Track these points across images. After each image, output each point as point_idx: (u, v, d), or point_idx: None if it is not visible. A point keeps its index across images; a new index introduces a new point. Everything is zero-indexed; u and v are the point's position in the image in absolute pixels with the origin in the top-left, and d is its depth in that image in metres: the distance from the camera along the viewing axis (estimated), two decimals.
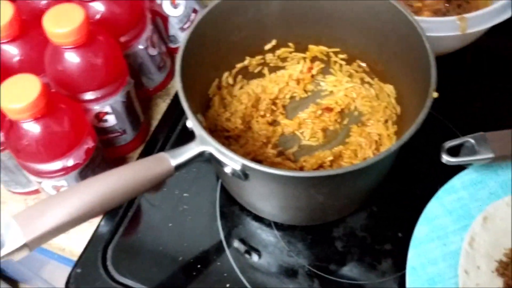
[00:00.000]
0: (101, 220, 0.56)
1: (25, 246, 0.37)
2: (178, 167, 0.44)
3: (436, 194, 0.52)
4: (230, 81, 0.58)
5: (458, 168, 0.53)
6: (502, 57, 0.69)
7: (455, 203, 0.52)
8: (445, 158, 0.47)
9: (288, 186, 0.45)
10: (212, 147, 0.44)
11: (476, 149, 0.47)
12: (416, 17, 0.49)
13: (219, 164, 0.45)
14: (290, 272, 0.52)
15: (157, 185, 0.48)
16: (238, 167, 0.43)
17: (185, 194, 0.58)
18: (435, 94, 0.44)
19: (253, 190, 0.49)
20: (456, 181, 0.53)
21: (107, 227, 0.55)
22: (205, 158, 0.45)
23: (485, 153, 0.47)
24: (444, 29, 0.55)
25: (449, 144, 0.48)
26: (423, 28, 0.48)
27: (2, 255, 0.36)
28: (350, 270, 0.52)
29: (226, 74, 0.57)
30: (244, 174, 0.44)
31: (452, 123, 0.61)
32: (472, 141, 0.47)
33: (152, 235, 0.55)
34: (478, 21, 0.56)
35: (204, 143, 0.44)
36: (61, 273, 0.81)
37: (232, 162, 0.43)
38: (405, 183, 0.57)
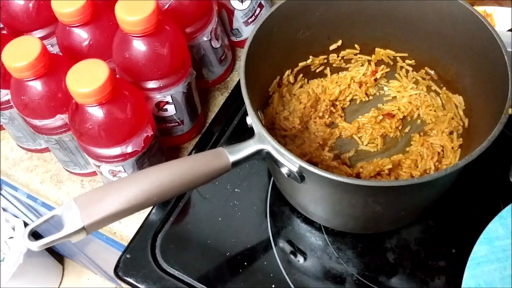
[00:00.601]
0: (152, 208, 0.56)
1: (83, 229, 0.38)
2: (235, 164, 0.44)
3: (499, 213, 0.49)
4: (291, 79, 0.57)
5: None
6: None
7: None
8: None
9: (345, 193, 0.44)
10: (271, 146, 0.43)
11: None
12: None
13: (275, 164, 0.44)
14: (337, 279, 0.51)
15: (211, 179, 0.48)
16: (295, 169, 0.42)
17: (236, 190, 0.57)
18: (511, 111, 0.42)
19: (307, 192, 0.48)
20: None
21: (158, 216, 0.56)
22: (262, 157, 0.45)
23: None
24: None
25: None
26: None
27: (61, 236, 0.37)
28: (400, 284, 0.50)
29: (287, 72, 0.57)
30: (301, 176, 0.43)
31: None
32: None
33: (201, 228, 0.55)
34: None
35: (262, 142, 0.44)
36: (105, 252, 0.83)
37: (289, 163, 0.43)
38: (466, 199, 0.55)
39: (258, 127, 0.44)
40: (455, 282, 0.48)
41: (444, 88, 0.55)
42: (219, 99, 0.65)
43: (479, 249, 0.48)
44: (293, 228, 0.55)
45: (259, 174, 0.58)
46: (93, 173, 0.60)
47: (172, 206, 0.57)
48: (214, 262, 0.53)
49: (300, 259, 0.53)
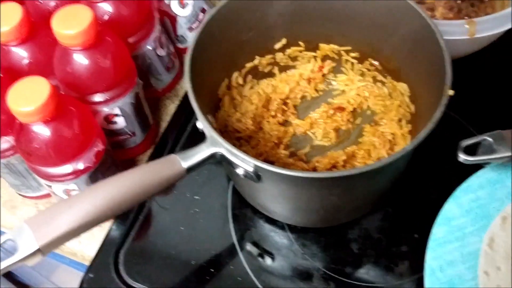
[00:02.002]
0: (112, 224, 0.55)
1: (38, 251, 0.37)
2: (190, 169, 0.43)
3: (453, 194, 0.51)
4: (240, 81, 0.57)
5: (475, 168, 0.52)
6: None
7: (473, 203, 0.51)
8: (462, 157, 0.46)
9: (301, 187, 0.44)
10: (224, 148, 0.43)
11: (494, 148, 0.46)
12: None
13: (231, 165, 0.44)
14: (305, 275, 0.51)
15: (168, 187, 0.48)
16: (250, 169, 0.42)
17: (196, 197, 0.57)
18: (451, 92, 0.43)
19: (266, 191, 0.48)
20: (473, 181, 0.52)
21: (119, 231, 0.55)
22: (216, 160, 0.45)
23: (503, 151, 0.46)
24: (452, 33, 0.53)
25: (466, 142, 0.46)
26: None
27: (16, 261, 0.36)
28: (366, 273, 0.51)
29: (235, 74, 0.57)
30: (257, 175, 0.43)
31: (469, 123, 0.59)
32: (490, 139, 0.46)
33: (164, 239, 0.55)
34: (488, 26, 0.53)
35: (215, 145, 0.43)
36: (72, 277, 0.81)
37: (244, 163, 0.42)
38: (421, 183, 0.56)
39: (209, 130, 0.43)
40: (418, 265, 0.49)
41: (389, 77, 0.56)
42: (171, 108, 0.65)
43: (438, 231, 0.50)
44: (257, 230, 0.55)
45: (218, 179, 0.58)
46: (48, 195, 0.58)
47: (132, 220, 0.56)
48: (180, 272, 0.53)
49: (267, 259, 0.53)
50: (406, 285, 0.50)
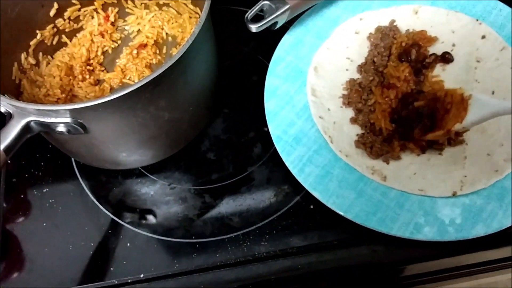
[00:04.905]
0: None
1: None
2: (8, 151, 0.41)
3: (268, 69, 0.55)
4: (32, 61, 0.55)
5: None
6: None
7: (286, 69, 0.56)
8: (253, 27, 0.50)
9: (127, 113, 0.43)
10: (33, 113, 0.41)
11: (274, 7, 0.50)
12: None
13: (50, 128, 0.42)
14: (180, 202, 0.52)
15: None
16: (68, 119, 0.41)
17: (55, 206, 0.53)
18: None
19: (102, 140, 0.46)
20: (278, 51, 0.56)
21: None
22: (33, 133, 0.43)
23: (282, 6, 0.50)
24: None
25: (250, 13, 0.50)
26: None
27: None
28: (230, 168, 0.54)
29: (23, 55, 0.54)
30: (80, 125, 0.42)
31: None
32: (267, 2, 0.50)
33: (41, 260, 0.50)
34: None
35: (23, 115, 0.42)
36: None
37: (59, 116, 0.41)
38: (239, 78, 0.60)
39: (11, 103, 0.41)
40: (268, 142, 0.52)
41: None
42: None
43: (269, 105, 0.53)
44: (123, 191, 0.53)
45: (62, 163, 0.56)
46: None
47: None
48: (77, 278, 0.49)
49: (148, 218, 0.52)
50: (267, 161, 0.54)
